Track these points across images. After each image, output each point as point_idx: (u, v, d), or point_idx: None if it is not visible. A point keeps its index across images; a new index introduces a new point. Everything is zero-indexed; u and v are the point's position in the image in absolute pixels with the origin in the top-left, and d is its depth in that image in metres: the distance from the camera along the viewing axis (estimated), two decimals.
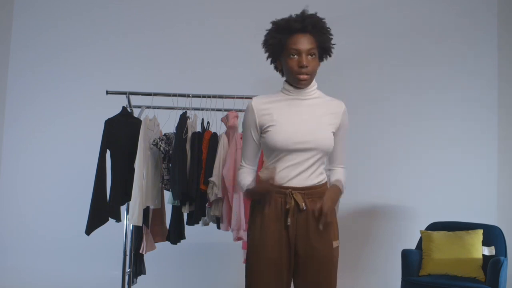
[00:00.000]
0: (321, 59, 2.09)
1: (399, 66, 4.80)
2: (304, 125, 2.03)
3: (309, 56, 1.99)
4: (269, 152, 2.08)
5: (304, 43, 1.98)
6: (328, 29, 2.05)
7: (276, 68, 2.15)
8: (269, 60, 2.14)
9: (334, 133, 2.09)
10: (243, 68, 4.59)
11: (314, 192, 2.04)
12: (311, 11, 2.08)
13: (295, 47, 1.98)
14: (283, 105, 2.07)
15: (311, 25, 2.00)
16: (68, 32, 4.92)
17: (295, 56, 1.99)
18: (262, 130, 2.08)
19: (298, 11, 2.07)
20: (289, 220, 2.00)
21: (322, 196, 2.04)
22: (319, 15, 2.06)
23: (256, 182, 2.09)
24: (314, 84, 2.11)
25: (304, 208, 1.99)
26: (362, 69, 4.81)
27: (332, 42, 2.07)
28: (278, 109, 2.06)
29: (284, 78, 2.13)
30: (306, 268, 2.03)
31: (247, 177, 2.13)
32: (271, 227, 2.02)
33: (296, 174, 2.02)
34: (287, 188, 2.02)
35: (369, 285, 4.52)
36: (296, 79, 2.02)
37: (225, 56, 4.77)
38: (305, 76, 2.00)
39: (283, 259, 2.02)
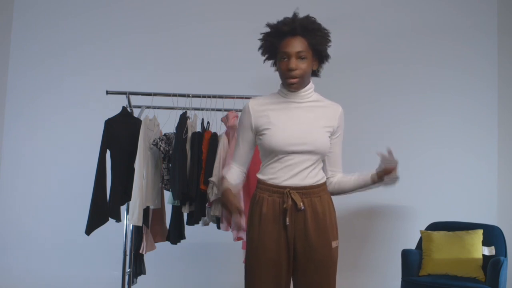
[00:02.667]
0: (321, 61, 2.09)
1: (398, 66, 4.80)
2: (300, 128, 2.03)
3: (299, 59, 1.99)
4: (266, 154, 2.08)
5: (293, 46, 1.98)
6: (324, 31, 2.04)
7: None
8: (269, 62, 2.15)
9: (330, 136, 2.09)
10: (243, 68, 4.58)
11: (312, 191, 2.04)
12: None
13: (284, 50, 1.99)
14: (280, 108, 2.08)
15: (301, 28, 1.99)
16: (68, 32, 4.92)
17: (285, 59, 2.00)
18: (258, 132, 2.08)
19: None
20: (287, 219, 2.00)
21: (320, 196, 2.05)
22: (317, 16, 2.05)
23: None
24: (310, 87, 2.10)
25: (302, 207, 1.99)
26: (362, 69, 4.81)
27: (328, 44, 2.05)
28: (275, 112, 2.07)
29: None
30: (305, 268, 2.03)
31: (233, 177, 2.12)
32: (269, 227, 2.03)
33: (293, 174, 2.02)
34: (285, 187, 2.02)
35: (369, 285, 4.52)
36: (285, 83, 2.03)
37: (225, 56, 4.77)
38: (293, 80, 2.00)
39: (282, 259, 2.02)
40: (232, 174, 2.14)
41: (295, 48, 1.98)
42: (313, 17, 2.04)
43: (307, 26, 2.01)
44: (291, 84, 2.01)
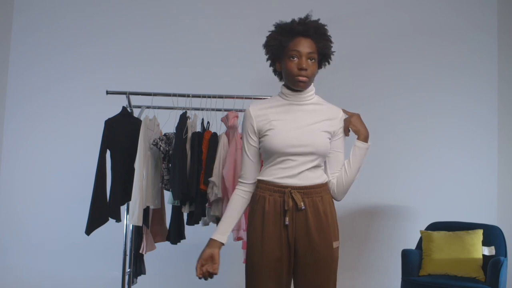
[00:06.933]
0: (319, 66, 2.11)
1: (398, 66, 4.80)
2: (301, 130, 2.03)
3: (309, 60, 2.01)
4: (267, 156, 2.09)
5: (305, 46, 2.00)
6: (329, 37, 2.07)
7: (275, 71, 2.16)
8: (269, 62, 2.15)
9: (331, 138, 2.09)
10: (243, 68, 4.59)
11: (313, 191, 2.04)
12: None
13: (296, 49, 2.00)
14: (281, 110, 2.09)
15: (313, 30, 2.02)
16: (68, 32, 4.92)
17: (295, 58, 2.00)
18: (261, 135, 2.09)
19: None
20: (286, 219, 2.00)
21: (322, 196, 2.05)
22: (318, 16, 2.07)
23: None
24: (311, 89, 2.11)
25: (303, 207, 1.99)
26: (362, 69, 4.81)
27: (332, 50, 2.09)
28: (276, 114, 2.07)
29: (282, 83, 2.14)
30: (306, 268, 2.03)
31: (231, 212, 2.10)
32: (270, 226, 2.03)
33: (295, 174, 2.03)
34: (286, 187, 2.02)
35: (369, 285, 4.52)
36: (294, 81, 2.03)
37: (225, 56, 4.77)
38: (304, 78, 2.01)
39: (282, 259, 2.02)
40: (234, 204, 2.11)
41: (307, 49, 2.00)
42: (322, 23, 2.07)
43: (319, 29, 2.04)
44: (301, 82, 2.02)
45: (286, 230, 2.02)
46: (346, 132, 2.15)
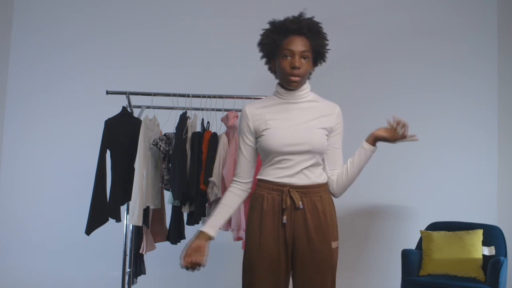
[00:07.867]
0: (315, 63, 2.10)
1: (398, 66, 4.80)
2: (297, 128, 2.03)
3: (302, 59, 2.00)
4: (265, 156, 2.09)
5: (298, 44, 1.99)
6: (324, 34, 2.06)
7: (270, 69, 2.16)
8: (264, 60, 2.14)
9: (327, 135, 2.09)
10: (243, 68, 4.58)
11: (312, 191, 2.04)
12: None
13: (289, 48, 1.99)
14: (276, 109, 2.08)
15: (307, 28, 2.01)
16: (68, 32, 4.92)
17: (288, 57, 2.00)
18: (257, 135, 2.08)
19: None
20: (284, 218, 2.00)
21: (321, 196, 2.05)
22: (318, 15, 2.07)
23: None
24: (306, 87, 2.11)
25: (301, 206, 1.99)
26: (362, 69, 4.81)
27: (328, 47, 2.08)
28: (271, 114, 2.07)
29: (277, 81, 2.13)
30: (304, 267, 2.03)
31: (223, 207, 2.10)
32: (268, 225, 2.03)
33: (293, 173, 2.03)
34: (285, 185, 2.02)
35: (369, 285, 4.52)
36: (287, 80, 2.03)
37: (225, 56, 4.77)
38: (296, 78, 2.00)
39: (280, 258, 2.02)
40: (227, 201, 2.12)
41: (300, 47, 1.99)
42: (316, 21, 2.06)
43: (312, 27, 2.03)
44: (293, 82, 2.01)
45: (284, 229, 2.02)
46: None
